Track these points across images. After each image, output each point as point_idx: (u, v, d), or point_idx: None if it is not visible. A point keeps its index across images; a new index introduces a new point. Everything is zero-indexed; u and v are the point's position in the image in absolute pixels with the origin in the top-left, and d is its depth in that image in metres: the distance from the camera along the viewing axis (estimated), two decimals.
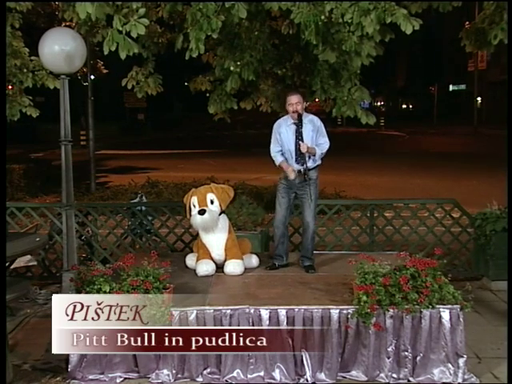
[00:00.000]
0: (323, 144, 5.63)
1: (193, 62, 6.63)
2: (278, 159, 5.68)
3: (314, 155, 5.56)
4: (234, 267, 5.55)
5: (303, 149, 5.46)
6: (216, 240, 5.59)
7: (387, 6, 5.59)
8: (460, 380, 4.56)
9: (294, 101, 5.52)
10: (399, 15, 5.55)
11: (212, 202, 5.53)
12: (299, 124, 5.53)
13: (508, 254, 5.59)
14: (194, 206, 5.55)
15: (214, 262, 5.60)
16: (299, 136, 5.54)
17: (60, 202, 6.32)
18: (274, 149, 5.71)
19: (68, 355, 4.58)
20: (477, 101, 41.41)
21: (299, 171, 5.55)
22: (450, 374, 4.58)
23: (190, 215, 5.61)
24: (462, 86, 51.05)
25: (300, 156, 5.53)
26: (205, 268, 5.52)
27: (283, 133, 5.63)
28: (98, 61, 20.68)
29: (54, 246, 7.47)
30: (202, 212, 5.45)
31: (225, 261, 5.61)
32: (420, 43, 51.10)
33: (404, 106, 66.13)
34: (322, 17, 5.72)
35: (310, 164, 5.57)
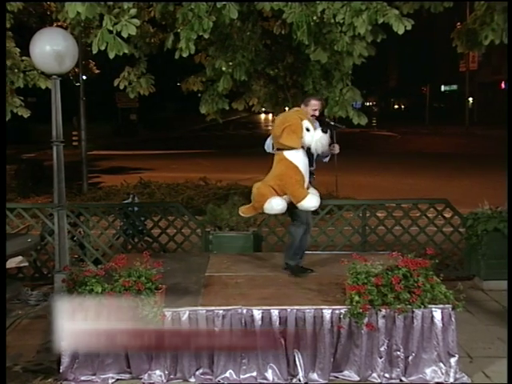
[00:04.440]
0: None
1: (185, 62, 6.63)
2: None
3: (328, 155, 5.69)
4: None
5: (337, 149, 5.65)
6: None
7: (379, 7, 5.61)
8: (452, 379, 4.57)
9: (319, 106, 5.61)
10: (391, 16, 5.58)
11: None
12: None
13: (508, 253, 5.60)
14: (308, 129, 5.10)
15: None
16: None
17: (52, 203, 6.30)
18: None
19: (60, 356, 4.56)
20: (468, 101, 41.60)
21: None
22: (442, 374, 4.59)
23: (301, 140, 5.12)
24: (454, 87, 51.28)
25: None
26: (316, 201, 5.09)
27: None
28: (90, 61, 20.58)
29: (46, 246, 7.43)
30: (325, 130, 5.13)
31: None
32: (412, 43, 51.27)
33: (396, 107, 66.34)
34: (314, 17, 5.74)
35: (314, 167, 5.63)
